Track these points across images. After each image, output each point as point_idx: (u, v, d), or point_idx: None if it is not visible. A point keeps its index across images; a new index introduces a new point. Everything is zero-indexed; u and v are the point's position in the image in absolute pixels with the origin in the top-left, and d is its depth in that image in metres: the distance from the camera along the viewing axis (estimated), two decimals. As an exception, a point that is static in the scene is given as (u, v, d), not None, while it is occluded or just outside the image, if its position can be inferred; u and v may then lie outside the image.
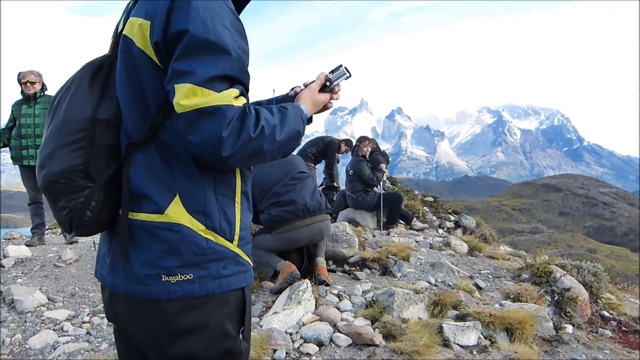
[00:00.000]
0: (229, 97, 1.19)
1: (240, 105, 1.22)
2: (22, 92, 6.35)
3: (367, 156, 8.70)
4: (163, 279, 1.26)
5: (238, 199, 1.38)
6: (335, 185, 10.15)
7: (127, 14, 1.39)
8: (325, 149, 9.91)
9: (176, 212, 1.27)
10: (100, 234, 1.46)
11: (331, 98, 1.60)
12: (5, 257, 5.46)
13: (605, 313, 5.07)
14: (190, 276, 1.27)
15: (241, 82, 1.26)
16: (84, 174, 1.27)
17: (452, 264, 5.60)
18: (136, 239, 1.29)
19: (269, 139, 1.25)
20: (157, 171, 1.29)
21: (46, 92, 6.51)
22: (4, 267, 5.20)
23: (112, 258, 1.36)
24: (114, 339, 3.47)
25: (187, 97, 1.17)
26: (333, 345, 3.46)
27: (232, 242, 1.34)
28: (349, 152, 9.49)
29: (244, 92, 1.26)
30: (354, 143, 9.40)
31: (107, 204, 1.31)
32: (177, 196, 1.28)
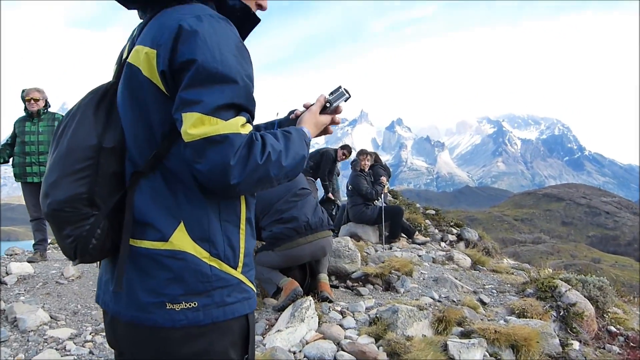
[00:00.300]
0: (237, 125, 1.20)
1: (247, 132, 1.22)
2: (25, 109, 6.37)
3: (368, 170, 8.68)
4: (167, 307, 1.25)
5: (242, 225, 1.37)
6: (332, 198, 10.00)
7: (132, 41, 1.39)
8: (321, 160, 9.89)
9: (180, 240, 1.27)
10: (103, 261, 1.45)
11: (332, 121, 1.60)
12: (7, 274, 5.44)
13: (612, 328, 5.03)
14: (194, 304, 1.26)
15: (247, 109, 1.26)
16: (88, 202, 1.26)
17: (456, 278, 5.58)
18: (140, 266, 1.28)
19: (276, 164, 1.25)
20: (162, 198, 1.28)
21: (49, 109, 6.54)
22: (6, 284, 5.19)
23: (115, 285, 1.34)
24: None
25: (195, 125, 1.17)
26: (337, 364, 3.44)
27: (236, 269, 1.33)
28: (351, 162, 9.38)
29: (250, 120, 1.27)
30: (352, 150, 9.36)
31: (111, 232, 1.31)
32: (182, 223, 1.28)
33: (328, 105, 1.57)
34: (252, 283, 1.40)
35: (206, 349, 1.29)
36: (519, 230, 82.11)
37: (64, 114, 1.52)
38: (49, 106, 6.54)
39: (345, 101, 1.59)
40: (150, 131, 1.29)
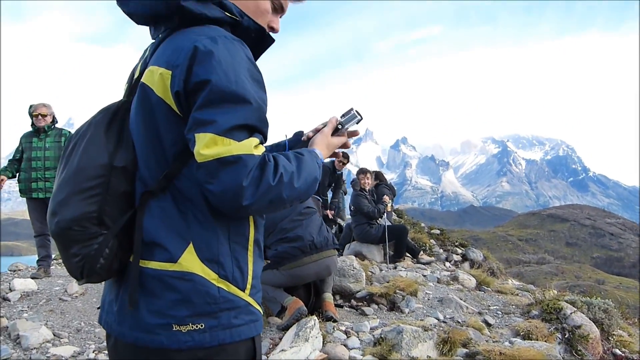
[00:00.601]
0: (250, 146, 1.20)
1: (260, 154, 1.22)
2: (32, 124, 6.44)
3: (371, 189, 8.64)
4: (174, 329, 1.24)
5: (251, 247, 1.36)
6: (330, 216, 9.61)
7: (145, 61, 1.40)
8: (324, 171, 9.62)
9: (189, 261, 1.26)
10: (106, 282, 1.44)
11: (346, 145, 1.60)
12: (11, 290, 5.44)
13: (617, 351, 4.98)
14: (201, 326, 1.25)
15: (260, 131, 1.27)
16: (97, 220, 1.26)
17: (461, 299, 5.54)
18: (147, 287, 1.27)
19: (288, 186, 1.25)
20: (172, 219, 1.28)
21: (56, 125, 6.60)
22: (9, 300, 5.19)
23: (120, 306, 1.32)
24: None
25: (208, 146, 1.17)
26: (341, 385, 3.41)
27: (244, 291, 1.32)
28: (351, 182, 9.14)
29: (263, 141, 1.28)
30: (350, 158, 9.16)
31: (119, 252, 1.30)
32: (191, 245, 1.27)
33: (340, 127, 1.57)
34: (260, 305, 1.39)
35: None
36: (523, 251, 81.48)
37: (70, 130, 1.53)
38: (56, 122, 6.60)
39: (357, 123, 1.58)
40: (161, 152, 1.29)
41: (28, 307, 5.06)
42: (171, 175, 1.28)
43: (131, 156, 1.33)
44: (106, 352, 3.98)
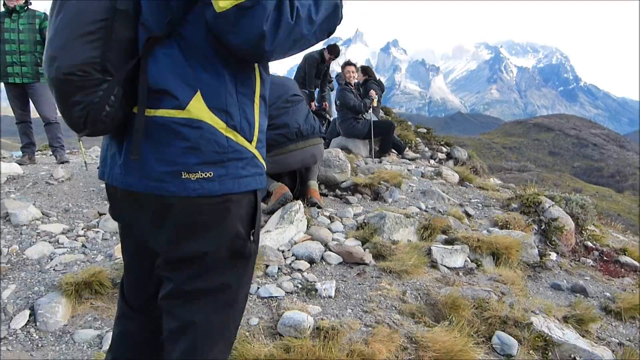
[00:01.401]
0: None
1: None
2: (4, 4, 6.06)
3: (359, 83, 8.47)
4: (183, 176, 1.24)
5: (257, 100, 1.35)
6: (321, 109, 9.39)
7: None
8: (304, 65, 9.25)
9: (197, 109, 1.24)
10: (104, 137, 1.43)
11: None
12: (-4, 173, 5.43)
13: (589, 243, 5.23)
14: (210, 174, 1.25)
15: None
16: (100, 67, 1.21)
17: (443, 192, 5.67)
18: (154, 136, 1.25)
19: (307, 21, 1.22)
20: (178, 66, 1.24)
21: (30, 7, 6.22)
22: (-5, 183, 5.19)
23: (126, 157, 1.31)
24: (109, 252, 3.54)
25: None
26: (324, 262, 3.56)
27: (250, 143, 1.32)
28: (336, 76, 8.77)
29: None
30: (340, 49, 8.80)
31: (124, 101, 1.27)
32: (199, 93, 1.24)
33: None
34: (264, 160, 1.40)
35: (217, 220, 1.29)
36: (506, 158, 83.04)
37: (45, 12, 1.42)
38: (30, 3, 6.22)
39: None
40: None
41: (15, 189, 5.07)
42: (175, 21, 1.23)
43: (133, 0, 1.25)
44: (95, 229, 4.10)
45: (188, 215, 1.27)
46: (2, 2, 6.06)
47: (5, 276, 3.18)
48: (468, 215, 5.13)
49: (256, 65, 1.35)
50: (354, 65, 8.46)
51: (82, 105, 1.22)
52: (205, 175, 1.25)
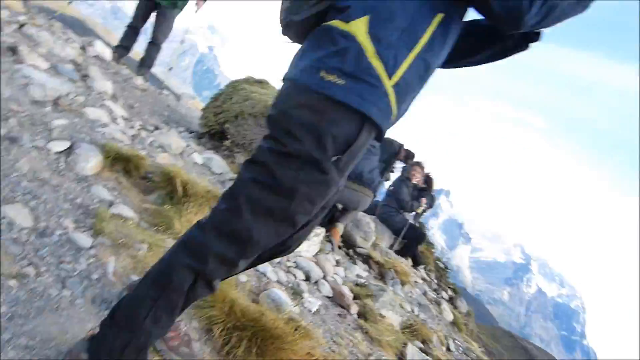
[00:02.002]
0: None
1: None
2: None
3: (418, 187, 8.48)
4: (320, 74, 1.33)
5: (413, 55, 1.36)
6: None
7: None
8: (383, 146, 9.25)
9: (357, 27, 1.34)
10: None
11: None
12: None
13: None
14: (343, 82, 1.31)
15: None
16: None
17: (436, 314, 5.57)
18: (316, 39, 1.42)
19: None
20: None
21: None
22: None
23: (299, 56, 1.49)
24: (152, 153, 3.57)
25: None
26: (316, 286, 3.55)
27: (389, 79, 1.34)
28: (402, 167, 8.79)
29: None
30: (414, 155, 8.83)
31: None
32: (367, 17, 1.35)
33: None
34: (393, 109, 1.39)
35: (319, 123, 1.32)
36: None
37: None
38: None
39: None
40: None
41: (97, 65, 5.29)
42: None
43: None
44: (148, 133, 4.20)
45: (302, 107, 1.36)
46: None
47: (62, 111, 3.25)
48: (449, 349, 4.99)
49: (431, 28, 1.37)
50: (423, 168, 8.58)
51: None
52: (338, 81, 1.32)
